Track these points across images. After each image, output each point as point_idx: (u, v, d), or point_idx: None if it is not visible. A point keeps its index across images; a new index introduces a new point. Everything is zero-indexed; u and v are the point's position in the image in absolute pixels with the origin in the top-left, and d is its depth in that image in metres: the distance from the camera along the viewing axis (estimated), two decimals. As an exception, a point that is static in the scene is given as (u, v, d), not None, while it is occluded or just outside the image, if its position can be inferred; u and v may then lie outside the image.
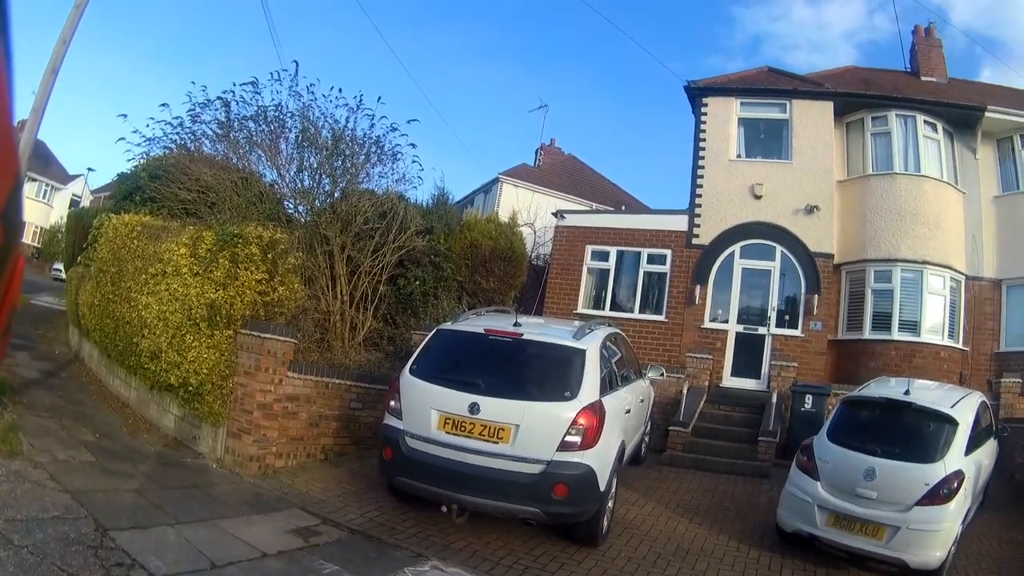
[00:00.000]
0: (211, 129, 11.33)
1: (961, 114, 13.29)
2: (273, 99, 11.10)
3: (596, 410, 5.42)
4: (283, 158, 11.10)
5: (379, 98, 11.88)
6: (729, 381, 12.28)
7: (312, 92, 10.80)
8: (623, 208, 18.31)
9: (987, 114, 13.10)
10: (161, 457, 6.72)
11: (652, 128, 70.68)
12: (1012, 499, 8.59)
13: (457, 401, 5.37)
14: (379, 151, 11.30)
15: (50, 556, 3.90)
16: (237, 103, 10.91)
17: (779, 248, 12.49)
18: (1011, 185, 13.58)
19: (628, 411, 6.59)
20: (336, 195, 11.01)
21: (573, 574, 5.17)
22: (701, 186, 12.83)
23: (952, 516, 5.50)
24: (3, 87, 0.93)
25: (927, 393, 6.75)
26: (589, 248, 12.99)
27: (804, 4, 68.41)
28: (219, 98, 10.96)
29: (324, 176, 11.20)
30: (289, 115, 10.96)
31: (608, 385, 5.95)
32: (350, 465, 7.27)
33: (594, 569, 5.31)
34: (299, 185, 11.24)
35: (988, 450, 7.07)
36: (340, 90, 11.33)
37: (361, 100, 10.89)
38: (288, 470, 6.77)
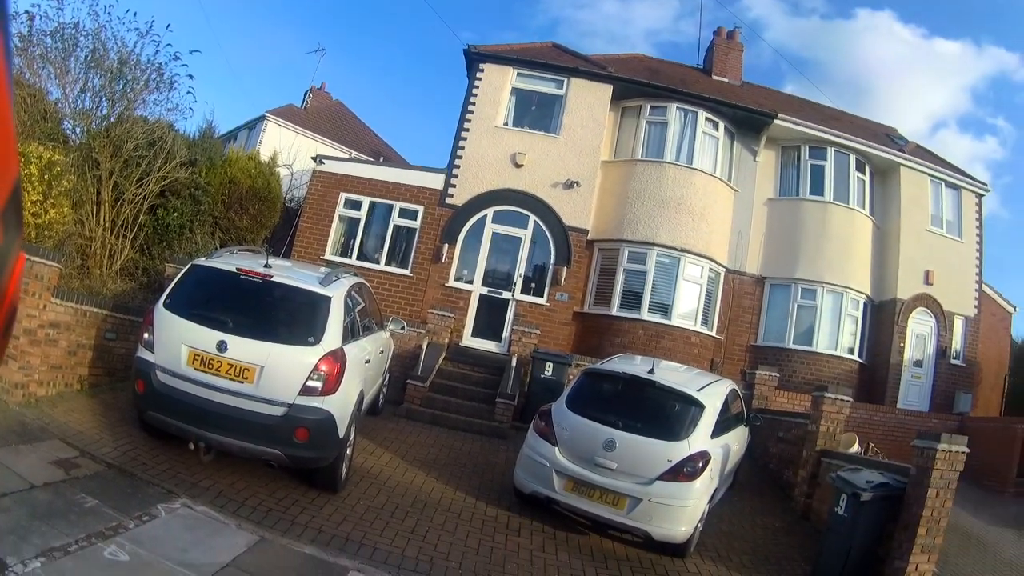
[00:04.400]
0: (13, 42, 12.85)
1: (747, 116, 15.78)
2: (73, 17, 12.62)
3: (338, 357, 6.21)
4: (71, 77, 12.49)
5: (168, 25, 13.57)
6: (469, 341, 14.36)
7: (108, 13, 12.38)
8: (381, 159, 20.53)
9: (776, 121, 15.55)
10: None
11: (428, 89, 76.56)
12: (766, 485, 10.37)
13: (206, 338, 6.00)
14: (159, 78, 12.98)
15: None
16: (41, 17, 12.23)
17: (533, 217, 14.75)
18: (790, 191, 16.12)
19: (368, 361, 7.49)
20: (112, 119, 12.55)
21: (314, 519, 5.93)
22: (463, 148, 15.01)
23: (697, 494, 6.47)
24: (3, 87, 1.00)
25: (673, 375, 7.92)
26: (343, 196, 14.97)
27: None
28: (26, 11, 12.32)
29: (104, 99, 12.72)
30: (84, 34, 12.39)
31: (351, 334, 6.77)
32: (104, 396, 7.94)
33: (334, 515, 6.11)
34: (80, 106, 12.69)
35: (738, 436, 8.33)
36: (135, 14, 12.89)
37: (152, 26, 12.55)
38: (48, 399, 7.38)
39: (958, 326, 16.88)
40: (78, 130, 12.96)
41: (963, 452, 6.81)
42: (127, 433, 6.86)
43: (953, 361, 16.68)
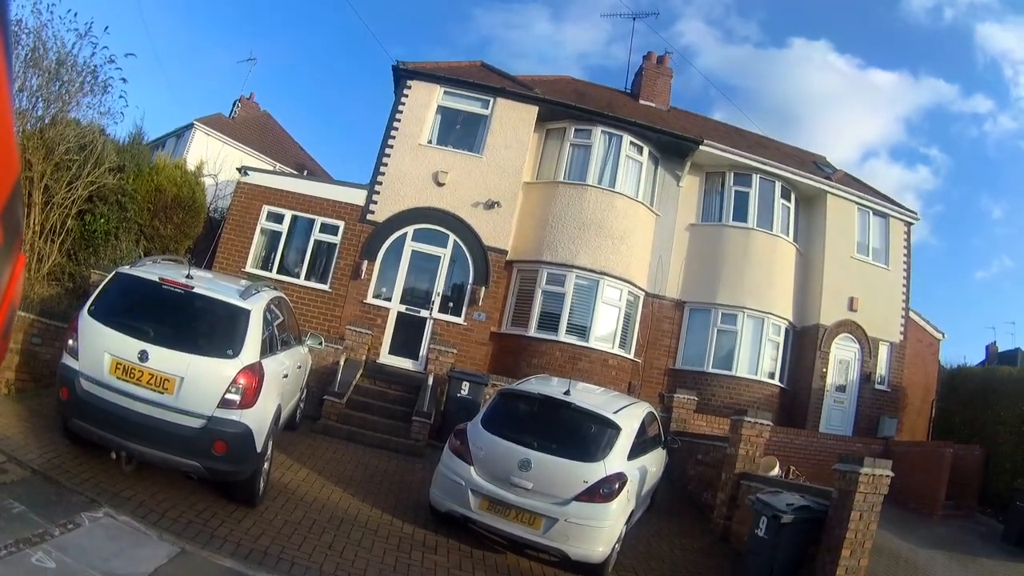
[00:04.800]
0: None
1: (672, 142, 16.30)
2: (17, 14, 12.47)
3: (256, 371, 6.38)
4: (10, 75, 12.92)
5: (106, 28, 13.72)
6: (387, 358, 14.67)
7: (51, 12, 12.50)
8: (305, 173, 20.88)
9: (702, 147, 16.05)
10: None
11: (355, 102, 78.32)
12: (685, 507, 10.62)
13: (128, 347, 6.14)
14: (93, 81, 13.14)
15: None
16: None
17: (453, 236, 15.12)
18: (712, 216, 16.65)
19: (286, 375, 7.65)
20: (46, 120, 12.72)
21: (233, 532, 6.07)
22: (386, 164, 15.33)
23: (614, 515, 6.65)
24: (4, 89, 1.05)
25: (589, 396, 8.09)
26: (266, 208, 15.21)
27: (547, 19, 77.58)
28: None
29: (41, 100, 12.82)
30: (26, 32, 12.52)
31: (269, 348, 6.95)
32: (29, 402, 8.11)
33: (253, 529, 6.26)
34: (18, 105, 12.68)
35: (655, 458, 8.54)
36: (76, 14, 13.03)
37: (91, 27, 12.73)
38: None
39: (883, 352, 17.43)
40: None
41: (887, 475, 7.11)
42: (52, 440, 7.01)
43: (878, 386, 17.22)
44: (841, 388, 16.95)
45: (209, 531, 5.97)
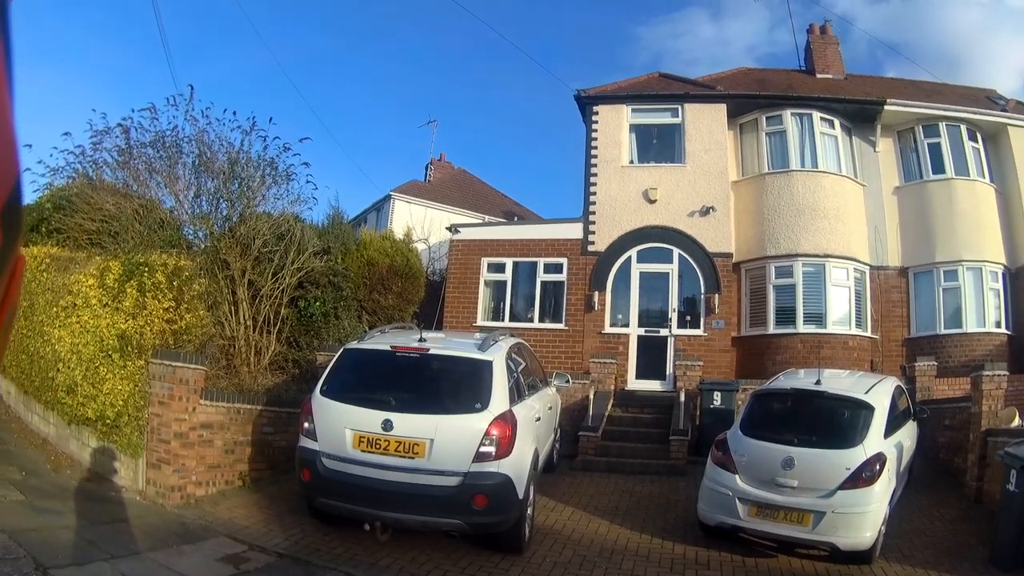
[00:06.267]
0: (112, 156, 13.42)
1: (858, 108, 16.28)
2: (170, 124, 13.17)
3: (508, 419, 6.51)
4: (181, 184, 13.27)
5: (271, 119, 14.19)
6: (635, 384, 14.97)
7: (207, 116, 13.03)
8: (515, 219, 21.28)
9: (887, 107, 16.06)
10: (86, 492, 7.85)
11: (544, 140, 79.19)
12: (937, 477, 10.55)
13: (370, 419, 6.37)
14: (273, 172, 13.61)
15: (-5, 598, 4.70)
16: (135, 129, 13.03)
17: (676, 250, 15.36)
18: (913, 175, 16.59)
19: (538, 419, 7.89)
20: (234, 219, 13.22)
21: None
22: (594, 193, 15.66)
23: (878, 497, 6.70)
24: (4, 87, 1.08)
25: (839, 381, 8.33)
26: (485, 260, 15.68)
27: (708, 21, 77.28)
28: (119, 124, 13.09)
29: (222, 200, 13.40)
30: (185, 140, 13.13)
31: (517, 394, 7.14)
32: (268, 490, 8.51)
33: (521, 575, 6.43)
34: (198, 210, 13.42)
35: (908, 432, 8.63)
36: (234, 113, 13.52)
37: (254, 122, 13.17)
38: (209, 498, 7.93)
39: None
40: (200, 234, 13.57)
41: None
42: (297, 522, 7.30)
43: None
44: (1065, 325, 16.75)
45: (477, 585, 6.06)
